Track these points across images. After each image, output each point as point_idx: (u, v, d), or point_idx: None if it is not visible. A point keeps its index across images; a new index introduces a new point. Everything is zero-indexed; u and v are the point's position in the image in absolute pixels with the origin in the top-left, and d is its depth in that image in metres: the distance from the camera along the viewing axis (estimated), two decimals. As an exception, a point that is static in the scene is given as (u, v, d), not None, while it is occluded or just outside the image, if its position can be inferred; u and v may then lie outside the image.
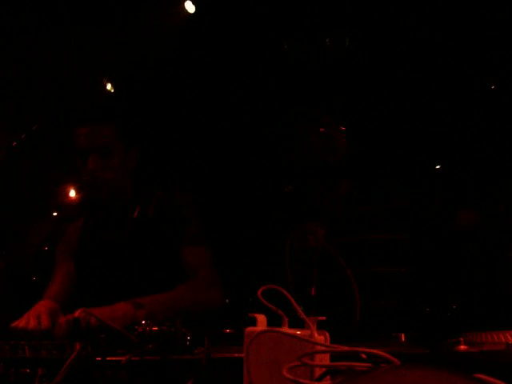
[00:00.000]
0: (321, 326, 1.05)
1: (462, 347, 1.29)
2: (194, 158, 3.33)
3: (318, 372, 0.98)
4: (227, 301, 2.31)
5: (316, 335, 1.02)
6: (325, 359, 1.02)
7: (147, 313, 1.86)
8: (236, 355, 1.21)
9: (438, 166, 3.15)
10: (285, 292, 1.05)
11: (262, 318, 1.10)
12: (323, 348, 0.99)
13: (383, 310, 2.15)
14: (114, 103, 2.56)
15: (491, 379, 0.75)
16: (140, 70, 3.23)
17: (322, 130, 2.36)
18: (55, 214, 3.64)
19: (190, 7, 2.97)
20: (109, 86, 3.24)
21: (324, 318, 1.06)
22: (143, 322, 1.34)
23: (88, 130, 2.23)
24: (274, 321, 1.09)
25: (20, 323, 1.81)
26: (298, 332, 1.04)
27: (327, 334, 1.05)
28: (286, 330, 1.05)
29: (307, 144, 2.35)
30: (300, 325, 1.05)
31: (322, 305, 2.16)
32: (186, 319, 1.88)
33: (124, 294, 2.00)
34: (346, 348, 0.93)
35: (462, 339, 1.31)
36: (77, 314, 1.66)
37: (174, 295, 2.06)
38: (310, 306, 2.16)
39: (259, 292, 1.05)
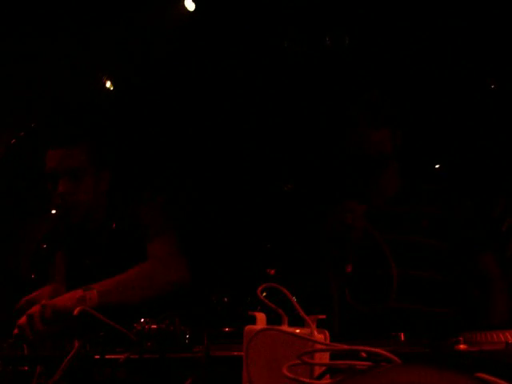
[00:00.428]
0: (320, 325, 1.05)
1: (462, 346, 1.29)
2: (193, 158, 3.33)
3: (317, 370, 0.98)
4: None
5: (316, 334, 1.02)
6: (325, 358, 1.01)
7: (98, 293, 1.90)
8: (235, 353, 1.21)
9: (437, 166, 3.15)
10: (285, 290, 1.05)
11: (261, 317, 1.10)
12: (323, 346, 0.99)
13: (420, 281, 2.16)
14: (84, 128, 2.53)
15: (492, 378, 0.75)
16: (140, 69, 3.22)
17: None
18: (54, 212, 3.63)
19: (190, 5, 2.97)
20: (108, 84, 3.23)
21: (324, 316, 1.05)
22: (142, 320, 1.34)
23: (58, 152, 2.23)
24: (275, 319, 1.09)
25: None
26: (298, 330, 1.03)
27: (327, 333, 1.04)
28: (285, 328, 1.05)
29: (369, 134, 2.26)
30: (300, 323, 1.05)
31: (357, 282, 2.18)
32: (146, 299, 1.91)
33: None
34: (345, 347, 0.92)
35: (461, 338, 1.31)
36: (76, 312, 1.66)
37: (126, 275, 2.05)
38: (347, 283, 2.19)
39: (258, 290, 1.05)
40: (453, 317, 2.15)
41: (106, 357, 1.31)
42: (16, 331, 1.81)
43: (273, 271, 3.13)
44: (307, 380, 0.92)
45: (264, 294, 1.06)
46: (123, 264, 2.18)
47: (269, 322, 1.10)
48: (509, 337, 1.33)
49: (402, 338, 1.48)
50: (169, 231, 2.23)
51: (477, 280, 2.25)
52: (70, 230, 2.36)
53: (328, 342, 1.03)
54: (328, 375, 0.96)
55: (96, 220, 2.31)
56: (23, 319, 1.81)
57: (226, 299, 2.82)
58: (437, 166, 3.17)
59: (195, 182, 3.25)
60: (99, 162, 2.30)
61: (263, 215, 3.25)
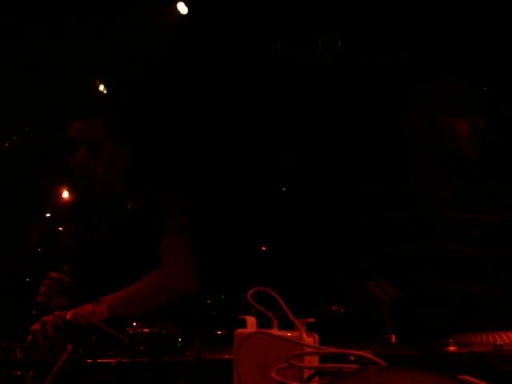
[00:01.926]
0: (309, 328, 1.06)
1: (452, 348, 1.30)
2: (196, 156, 3.33)
3: (306, 373, 0.99)
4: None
5: (305, 337, 1.03)
6: (314, 361, 1.02)
7: (108, 307, 1.92)
8: (226, 357, 1.21)
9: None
10: (274, 294, 1.06)
11: (251, 320, 1.11)
12: (312, 350, 1.00)
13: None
14: (106, 101, 2.57)
15: (476, 380, 0.76)
16: (133, 71, 3.23)
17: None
18: (48, 215, 3.64)
19: (183, 8, 2.98)
20: (101, 87, 3.24)
21: (313, 319, 1.06)
22: (134, 324, 1.35)
23: (79, 124, 2.26)
24: (266, 323, 1.10)
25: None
26: (288, 334, 1.05)
27: (316, 336, 1.05)
28: (275, 331, 1.06)
29: (454, 130, 2.06)
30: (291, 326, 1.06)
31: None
32: (157, 309, 1.93)
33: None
34: (333, 350, 0.93)
35: (451, 340, 1.32)
36: (68, 316, 1.67)
37: (136, 287, 2.07)
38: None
39: (249, 294, 1.06)
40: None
41: (98, 360, 1.31)
42: (29, 337, 1.84)
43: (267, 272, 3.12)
44: (296, 383, 0.93)
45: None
46: (130, 246, 2.22)
47: (260, 325, 1.11)
48: (498, 338, 1.34)
49: (393, 340, 1.49)
50: (186, 232, 2.24)
51: None
52: (86, 200, 2.38)
53: (317, 345, 1.04)
54: (317, 378, 0.97)
55: (113, 195, 2.33)
56: (37, 325, 1.85)
57: (219, 302, 2.82)
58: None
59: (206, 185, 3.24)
60: (119, 136, 2.32)
61: (258, 217, 3.25)
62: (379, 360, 0.83)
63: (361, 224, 2.21)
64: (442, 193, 2.12)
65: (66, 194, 3.48)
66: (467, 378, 0.75)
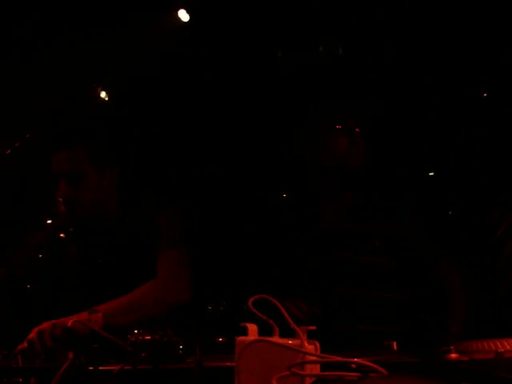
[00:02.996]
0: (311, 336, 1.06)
1: (453, 355, 1.30)
2: (190, 167, 3.34)
3: (307, 382, 0.99)
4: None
5: (306, 345, 1.03)
6: (315, 369, 1.02)
7: (103, 316, 1.93)
8: (228, 364, 1.21)
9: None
10: (276, 302, 1.06)
11: (253, 328, 1.11)
12: (313, 358, 1.00)
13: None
14: (86, 127, 2.59)
15: (477, 389, 0.76)
16: (132, 78, 3.23)
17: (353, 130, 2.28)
18: (49, 221, 3.64)
19: (184, 16, 2.98)
20: (103, 94, 3.24)
21: (314, 327, 1.06)
22: (135, 332, 1.35)
23: (58, 156, 2.30)
24: (268, 330, 1.10)
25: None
26: (289, 342, 1.05)
27: (317, 344, 1.06)
28: (276, 339, 1.06)
29: (333, 145, 2.30)
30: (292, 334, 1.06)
31: None
32: (152, 318, 1.95)
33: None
34: (335, 358, 0.94)
35: (452, 347, 1.32)
36: (70, 323, 1.68)
37: (131, 297, 2.09)
38: None
39: (250, 301, 1.06)
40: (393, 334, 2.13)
41: (100, 368, 1.31)
42: (25, 345, 1.84)
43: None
44: (297, 391, 0.93)
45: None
46: (129, 262, 2.27)
47: (261, 332, 1.11)
48: (499, 346, 1.34)
49: (395, 348, 1.49)
50: (182, 244, 2.27)
51: (436, 292, 2.28)
52: (80, 226, 2.40)
53: (318, 353, 1.04)
54: (318, 386, 0.97)
55: (108, 216, 2.35)
56: (33, 334, 1.84)
57: (220, 309, 2.81)
58: (431, 174, 3.16)
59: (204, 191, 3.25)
60: (101, 163, 2.35)
61: (256, 225, 3.25)
62: (380, 368, 0.84)
63: (276, 243, 2.37)
64: (339, 206, 2.32)
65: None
66: (468, 386, 0.75)
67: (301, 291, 2.20)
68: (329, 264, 2.23)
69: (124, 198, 2.39)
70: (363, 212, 2.32)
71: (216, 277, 3.02)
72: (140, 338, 1.35)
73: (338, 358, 0.92)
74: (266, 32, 3.00)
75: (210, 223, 3.12)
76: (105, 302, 2.05)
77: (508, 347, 1.32)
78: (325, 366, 1.00)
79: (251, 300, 1.06)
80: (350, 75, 2.98)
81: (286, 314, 1.04)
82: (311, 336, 1.06)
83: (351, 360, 0.88)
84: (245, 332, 1.10)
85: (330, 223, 2.31)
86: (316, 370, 1.02)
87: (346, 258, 2.23)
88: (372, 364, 0.84)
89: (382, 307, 2.20)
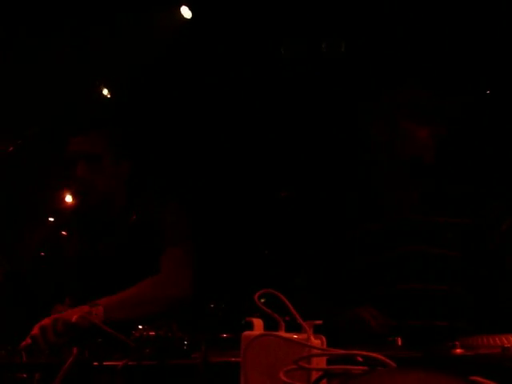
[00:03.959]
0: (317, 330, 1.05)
1: (458, 351, 1.30)
2: (195, 164, 3.34)
3: (314, 375, 0.98)
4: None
5: (312, 339, 1.03)
6: (321, 363, 1.02)
7: (104, 310, 1.93)
8: (233, 359, 1.21)
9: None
10: (281, 296, 1.06)
11: (258, 322, 1.10)
12: (319, 351, 1.00)
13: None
14: (105, 113, 2.64)
15: (486, 381, 0.76)
16: (136, 77, 3.23)
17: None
18: (51, 219, 3.64)
19: (187, 13, 2.97)
20: (105, 92, 3.24)
21: (321, 321, 1.06)
22: (140, 327, 1.34)
23: (78, 138, 2.31)
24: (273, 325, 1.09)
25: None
26: (295, 336, 1.04)
27: (323, 338, 1.05)
28: (282, 334, 1.06)
29: (415, 135, 2.12)
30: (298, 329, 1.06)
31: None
32: (150, 316, 1.94)
33: None
34: (341, 351, 0.93)
35: (457, 343, 1.32)
36: (74, 319, 1.67)
37: (132, 291, 2.09)
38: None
39: (256, 296, 1.06)
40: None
41: (105, 363, 1.31)
42: (29, 341, 1.84)
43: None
44: (304, 385, 0.92)
45: (262, 300, 1.07)
46: (132, 257, 2.26)
47: (267, 327, 1.11)
48: (505, 341, 1.34)
49: (400, 343, 1.49)
50: (187, 241, 2.28)
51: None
52: (88, 213, 2.40)
53: (325, 347, 1.03)
54: (325, 380, 0.96)
55: (115, 207, 2.37)
56: (36, 330, 1.84)
57: (224, 305, 2.81)
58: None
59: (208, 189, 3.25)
60: (119, 150, 2.38)
61: (261, 221, 3.25)
62: (388, 361, 0.83)
63: (343, 239, 2.20)
64: (408, 200, 2.16)
65: (69, 198, 3.48)
66: (478, 378, 0.74)
67: (365, 289, 2.09)
68: (395, 258, 2.08)
69: (131, 193, 2.39)
70: (435, 202, 2.16)
71: (223, 274, 3.02)
72: (144, 333, 1.35)
73: (345, 352, 0.92)
74: (268, 28, 2.99)
75: (220, 220, 3.12)
76: (102, 294, 2.06)
77: (514, 342, 1.32)
78: (332, 360, 1.00)
79: (257, 294, 1.06)
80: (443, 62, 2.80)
81: (292, 308, 1.04)
82: (318, 330, 1.05)
83: (358, 352, 0.87)
84: (250, 327, 1.09)
85: (399, 214, 2.15)
86: (322, 363, 1.01)
87: (416, 251, 2.08)
88: (380, 356, 0.84)
89: (457, 302, 2.05)
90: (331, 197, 2.48)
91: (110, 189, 2.34)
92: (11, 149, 3.29)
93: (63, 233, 2.83)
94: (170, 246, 2.24)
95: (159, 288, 2.13)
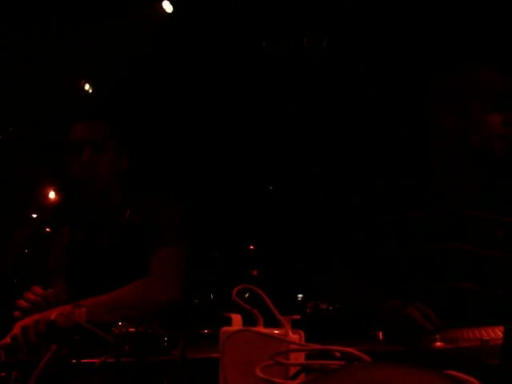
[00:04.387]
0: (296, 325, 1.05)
1: (438, 344, 1.30)
2: (190, 161, 3.32)
3: (292, 371, 0.98)
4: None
5: (291, 334, 1.02)
6: (300, 358, 1.02)
7: (87, 311, 1.85)
8: (212, 355, 1.20)
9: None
10: (259, 291, 1.05)
11: (237, 318, 1.10)
12: (297, 347, 0.99)
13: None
14: (106, 104, 2.64)
15: (461, 375, 0.75)
16: (120, 71, 3.21)
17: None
18: (35, 216, 3.62)
19: (168, 7, 2.97)
20: (87, 87, 3.22)
21: (299, 316, 1.06)
22: (119, 324, 1.33)
23: (82, 125, 2.31)
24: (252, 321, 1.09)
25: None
26: (274, 331, 1.04)
27: (302, 333, 1.05)
28: (260, 329, 1.05)
29: (485, 124, 1.94)
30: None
31: None
32: (139, 317, 1.92)
33: None
34: (319, 346, 0.93)
35: (437, 336, 1.32)
36: (53, 316, 1.66)
37: (118, 294, 2.07)
38: None
39: (234, 292, 1.05)
40: None
41: (83, 360, 1.30)
42: (8, 341, 1.82)
43: (255, 272, 3.12)
44: (281, 380, 0.92)
45: (246, 295, 1.07)
46: (125, 254, 2.25)
47: (246, 324, 1.10)
48: (484, 334, 1.34)
49: (380, 337, 1.49)
50: (178, 243, 2.26)
51: None
52: (85, 204, 2.38)
53: (303, 342, 1.03)
54: (303, 375, 0.96)
55: (112, 201, 2.35)
56: (17, 330, 1.82)
57: (206, 301, 2.80)
58: None
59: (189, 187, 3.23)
60: (121, 139, 2.37)
61: (246, 217, 3.25)
62: (364, 356, 0.83)
63: (375, 225, 2.03)
64: (467, 191, 2.00)
65: (52, 195, 3.46)
66: (453, 372, 0.74)
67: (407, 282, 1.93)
68: (444, 254, 1.92)
69: (127, 189, 2.38)
70: (490, 198, 1.98)
71: (208, 271, 3.01)
72: (124, 330, 1.34)
73: (322, 347, 0.91)
74: (250, 23, 2.98)
75: (213, 218, 3.10)
76: (91, 291, 2.04)
77: (493, 335, 1.32)
78: (311, 356, 1.00)
79: (235, 290, 1.05)
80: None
81: (270, 303, 1.03)
82: (296, 325, 1.05)
83: (335, 348, 0.87)
84: (229, 322, 1.09)
85: (453, 208, 1.97)
86: (301, 359, 1.01)
87: (464, 248, 1.91)
88: (356, 352, 0.83)
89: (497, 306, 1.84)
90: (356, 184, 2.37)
91: (110, 178, 2.32)
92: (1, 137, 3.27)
93: (47, 229, 2.81)
94: (161, 247, 2.21)
95: (147, 291, 2.11)
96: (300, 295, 2.88)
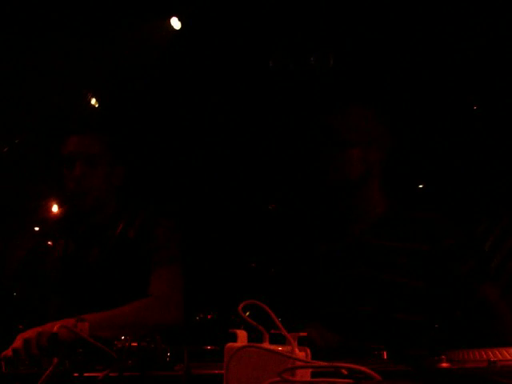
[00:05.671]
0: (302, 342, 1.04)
1: (444, 364, 1.28)
2: (184, 175, 3.33)
3: (298, 388, 0.96)
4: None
5: (297, 351, 1.01)
6: (306, 375, 1.00)
7: (90, 326, 1.82)
8: (216, 372, 1.19)
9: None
10: (265, 307, 1.04)
11: (242, 334, 1.09)
12: (303, 364, 0.98)
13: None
14: (103, 117, 2.65)
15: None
16: (126, 86, 3.23)
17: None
18: (37, 228, 3.61)
19: (176, 24, 2.98)
20: (93, 101, 3.23)
21: (305, 333, 1.04)
22: (122, 338, 1.32)
23: (75, 138, 2.31)
24: (257, 338, 1.08)
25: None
26: (279, 348, 1.02)
27: (308, 350, 1.03)
28: (266, 345, 1.04)
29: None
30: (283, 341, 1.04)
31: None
32: (139, 335, 1.91)
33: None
34: (326, 364, 0.91)
35: (444, 357, 1.31)
36: (55, 329, 1.64)
37: (122, 312, 2.06)
38: None
39: (240, 307, 1.04)
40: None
41: (85, 374, 1.29)
42: (10, 354, 1.80)
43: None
44: (287, 398, 0.91)
45: (247, 313, 1.06)
46: (118, 269, 2.24)
47: (251, 340, 1.09)
48: (491, 355, 1.32)
49: (385, 356, 1.48)
50: (178, 261, 2.26)
51: (478, 313, 2.02)
52: (78, 218, 2.39)
53: (309, 359, 1.02)
54: (309, 393, 0.95)
55: (105, 214, 2.35)
56: (18, 343, 1.80)
57: (209, 317, 2.78)
58: (420, 186, 3.13)
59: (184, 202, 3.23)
60: (114, 154, 2.37)
61: (246, 234, 3.24)
62: (373, 373, 0.82)
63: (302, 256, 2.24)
64: (367, 219, 2.15)
65: (55, 208, 3.46)
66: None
67: (317, 310, 2.10)
68: (350, 281, 2.07)
69: (121, 202, 2.37)
70: (392, 226, 2.12)
71: (209, 288, 3.00)
72: (127, 344, 1.32)
73: (330, 364, 0.90)
74: (258, 40, 2.99)
75: (209, 235, 3.10)
76: (92, 308, 2.02)
77: (501, 357, 1.31)
78: (317, 373, 0.98)
79: (241, 306, 1.04)
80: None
81: (277, 320, 1.02)
82: (302, 343, 1.04)
83: (343, 365, 0.86)
84: (234, 339, 1.08)
85: (356, 237, 2.15)
86: (307, 376, 1.00)
87: (368, 274, 2.06)
88: (364, 369, 0.82)
89: (409, 330, 2.00)
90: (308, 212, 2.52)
91: (103, 192, 2.33)
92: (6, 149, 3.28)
93: (49, 243, 2.80)
94: (161, 266, 2.21)
95: (150, 313, 2.10)
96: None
